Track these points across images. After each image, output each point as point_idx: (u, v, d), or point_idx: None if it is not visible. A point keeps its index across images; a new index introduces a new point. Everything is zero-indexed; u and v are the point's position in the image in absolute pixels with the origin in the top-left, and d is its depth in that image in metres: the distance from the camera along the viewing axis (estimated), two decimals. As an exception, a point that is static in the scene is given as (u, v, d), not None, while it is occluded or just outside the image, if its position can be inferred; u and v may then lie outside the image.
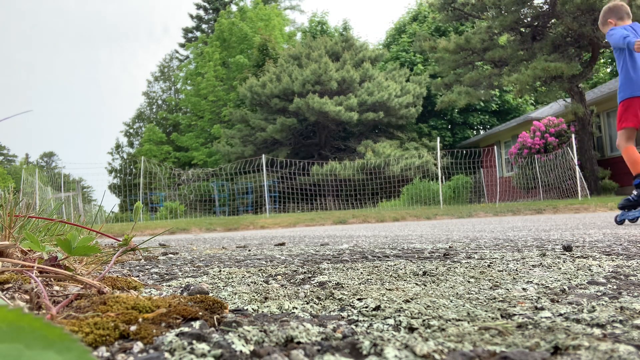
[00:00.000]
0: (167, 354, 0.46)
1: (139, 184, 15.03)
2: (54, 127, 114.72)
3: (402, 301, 0.71)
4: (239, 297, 0.78)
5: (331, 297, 0.77)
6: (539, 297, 0.72)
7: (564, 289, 0.79)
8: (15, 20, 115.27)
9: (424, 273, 1.04)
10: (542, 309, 0.64)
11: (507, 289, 0.81)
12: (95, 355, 0.46)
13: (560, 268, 1.06)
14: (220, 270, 1.21)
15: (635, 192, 3.84)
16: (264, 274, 1.11)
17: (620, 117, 3.84)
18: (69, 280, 0.80)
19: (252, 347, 0.48)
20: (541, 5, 15.39)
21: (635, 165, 3.80)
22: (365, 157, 18.03)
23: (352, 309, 0.68)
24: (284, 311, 0.68)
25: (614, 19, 4.01)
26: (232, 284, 0.96)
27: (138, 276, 1.14)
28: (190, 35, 38.72)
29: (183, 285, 0.95)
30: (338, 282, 0.94)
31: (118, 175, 31.96)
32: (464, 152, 15.75)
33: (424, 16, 26.64)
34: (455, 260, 1.30)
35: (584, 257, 1.24)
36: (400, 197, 15.85)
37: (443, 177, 15.82)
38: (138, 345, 0.49)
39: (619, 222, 3.91)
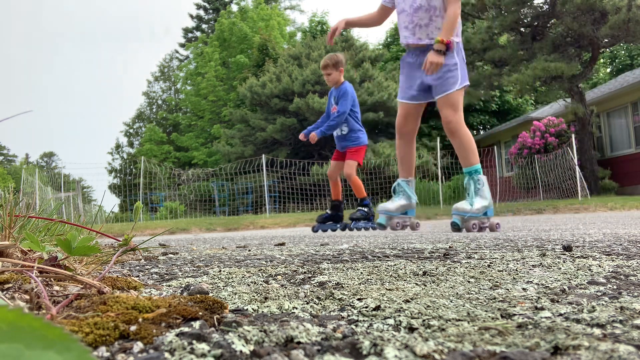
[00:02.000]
0: (167, 354, 0.46)
1: (139, 184, 15.02)
2: (54, 127, 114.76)
3: (402, 301, 0.71)
4: (239, 297, 0.78)
5: (331, 297, 0.77)
6: (539, 297, 0.72)
7: (564, 289, 0.79)
8: (15, 20, 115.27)
9: (424, 273, 1.04)
10: (542, 309, 0.64)
11: (507, 289, 0.81)
12: (95, 355, 0.46)
13: (560, 268, 1.06)
14: (220, 270, 1.21)
15: (366, 209, 5.08)
16: (264, 274, 1.11)
17: (359, 153, 5.11)
18: (69, 280, 0.80)
19: (252, 347, 0.48)
20: (541, 5, 15.39)
21: (360, 190, 5.11)
22: (365, 157, 18.03)
23: (352, 309, 0.68)
24: (284, 311, 0.68)
25: (343, 69, 5.07)
26: (232, 284, 0.96)
27: (138, 276, 1.14)
28: (190, 35, 38.71)
29: (183, 285, 0.95)
30: (338, 282, 0.94)
31: (118, 175, 31.96)
32: (464, 152, 15.72)
33: (424, 16, 26.61)
34: (455, 260, 1.30)
35: (584, 257, 1.24)
36: (400, 197, 15.80)
37: (443, 177, 15.81)
38: (138, 345, 0.49)
39: (351, 228, 5.12)
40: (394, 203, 3.71)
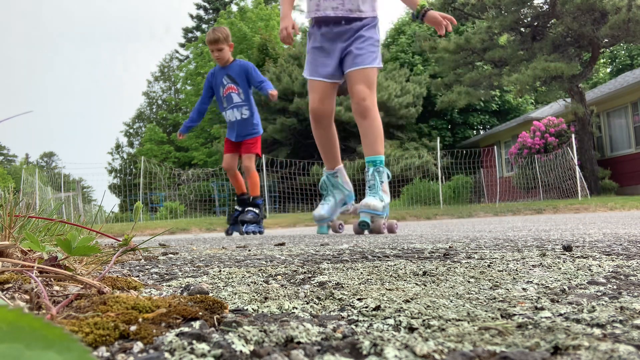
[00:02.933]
0: (167, 354, 0.46)
1: (139, 184, 15.02)
2: (54, 127, 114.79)
3: (402, 301, 0.71)
4: (239, 297, 0.78)
5: (331, 297, 0.77)
6: (539, 297, 0.72)
7: (564, 289, 0.79)
8: (15, 20, 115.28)
9: (424, 273, 1.04)
10: (542, 309, 0.64)
11: (507, 289, 0.81)
12: (95, 355, 0.46)
13: (560, 268, 1.06)
14: (220, 270, 1.21)
15: (257, 210, 4.69)
16: (264, 274, 1.11)
17: (258, 144, 4.66)
18: (69, 280, 0.80)
19: (252, 347, 0.48)
20: (541, 5, 15.40)
21: (256, 188, 4.70)
22: (365, 157, 18.02)
23: (352, 309, 0.68)
24: (284, 311, 0.68)
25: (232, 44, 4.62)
26: (232, 284, 0.96)
27: (138, 276, 1.14)
28: (190, 35, 38.72)
29: (183, 285, 0.95)
30: (338, 282, 0.94)
31: (118, 175, 31.99)
32: (464, 152, 15.75)
33: (424, 16, 26.59)
34: (455, 260, 1.30)
35: (584, 257, 1.24)
36: (400, 197, 15.84)
37: (443, 177, 15.81)
38: (138, 345, 0.49)
39: (242, 232, 4.66)
40: (325, 206, 3.29)
